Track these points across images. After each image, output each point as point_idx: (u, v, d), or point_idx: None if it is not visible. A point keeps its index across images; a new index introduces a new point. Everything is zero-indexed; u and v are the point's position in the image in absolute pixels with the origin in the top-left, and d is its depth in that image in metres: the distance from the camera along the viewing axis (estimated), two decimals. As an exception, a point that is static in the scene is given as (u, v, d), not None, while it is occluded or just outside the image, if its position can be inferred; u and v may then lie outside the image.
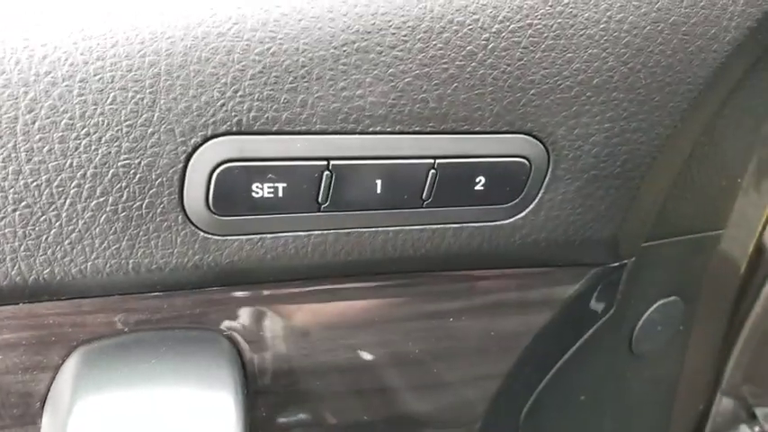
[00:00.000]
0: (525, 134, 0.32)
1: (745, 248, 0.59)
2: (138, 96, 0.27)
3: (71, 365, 0.32)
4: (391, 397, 0.39)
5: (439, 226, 0.34)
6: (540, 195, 0.34)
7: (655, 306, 0.47)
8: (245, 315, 0.35)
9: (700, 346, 0.59)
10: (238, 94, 0.28)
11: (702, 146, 0.39)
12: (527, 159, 0.33)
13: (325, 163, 0.30)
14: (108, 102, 0.27)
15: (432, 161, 0.32)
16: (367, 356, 0.38)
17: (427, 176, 0.32)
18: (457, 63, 0.30)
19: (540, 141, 0.33)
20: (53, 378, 0.33)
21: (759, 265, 0.74)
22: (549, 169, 0.33)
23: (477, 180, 0.32)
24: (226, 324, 0.35)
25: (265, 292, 0.35)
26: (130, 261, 0.30)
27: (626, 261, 0.41)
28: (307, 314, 0.36)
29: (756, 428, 0.82)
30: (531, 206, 0.34)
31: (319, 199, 0.31)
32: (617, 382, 0.50)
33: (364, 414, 0.39)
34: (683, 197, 0.42)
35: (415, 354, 0.38)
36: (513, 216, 0.34)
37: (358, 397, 0.39)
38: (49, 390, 0.33)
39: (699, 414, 0.81)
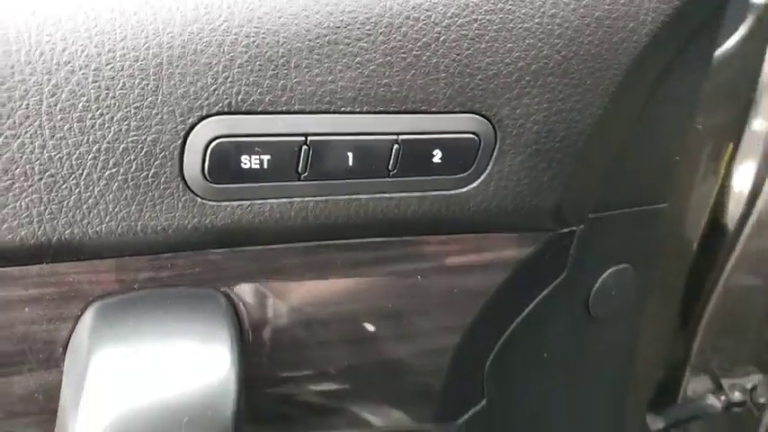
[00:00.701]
0: (474, 113, 0.38)
1: (696, 223, 0.64)
2: (144, 83, 0.33)
3: (88, 317, 0.38)
4: (367, 346, 0.44)
5: (404, 194, 0.39)
6: (489, 167, 0.39)
7: (608, 272, 0.52)
8: (238, 274, 0.40)
9: (656, 316, 0.64)
10: (228, 80, 0.33)
11: (638, 127, 0.45)
12: (477, 135, 0.38)
13: (303, 138, 0.35)
14: (118, 87, 0.32)
15: (395, 137, 0.37)
16: (345, 310, 0.43)
17: (392, 150, 0.37)
18: (414, 53, 0.35)
19: (488, 120, 0.38)
20: (73, 327, 0.38)
21: (717, 243, 0.79)
22: (497, 144, 0.39)
23: (435, 153, 0.38)
24: (222, 282, 0.40)
25: (256, 254, 0.40)
26: (139, 223, 0.35)
27: (575, 228, 0.46)
28: (292, 273, 0.41)
29: (722, 398, 0.87)
30: (482, 177, 0.40)
31: (299, 169, 0.36)
32: (577, 342, 0.56)
33: (344, 361, 0.44)
34: (624, 173, 0.47)
35: (388, 308, 0.43)
36: (467, 185, 0.40)
37: (338, 346, 0.44)
38: (69, 338, 0.38)
39: (665, 386, 0.86)
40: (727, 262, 0.78)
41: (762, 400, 0.88)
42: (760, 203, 0.74)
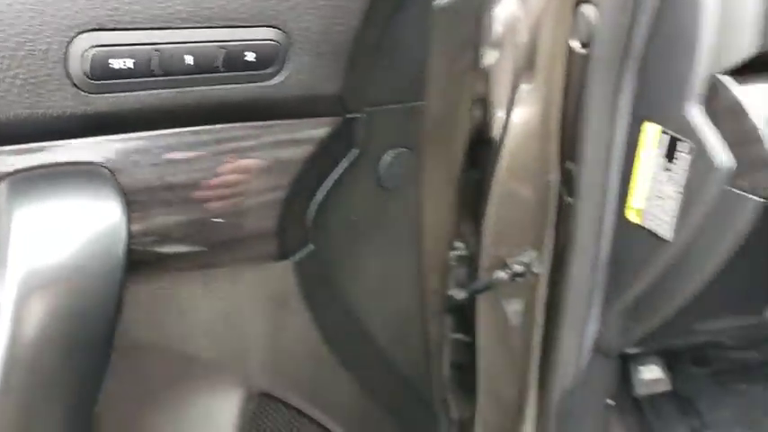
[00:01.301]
0: (274, 27, 0.56)
1: (458, 124, 0.86)
2: (33, 8, 0.47)
3: (3, 188, 0.51)
4: (213, 202, 0.61)
5: (230, 85, 0.57)
6: (287, 64, 0.58)
7: (389, 153, 0.73)
8: (116, 154, 0.55)
9: (435, 200, 0.85)
10: (96, 6, 0.49)
11: (389, 42, 0.65)
12: (277, 42, 0.57)
13: (153, 47, 0.52)
14: (15, 11, 0.47)
15: (220, 43, 0.54)
16: (194, 177, 0.59)
17: (217, 53, 0.54)
18: None
19: (283, 30, 0.56)
20: None
21: (486, 157, 1.02)
22: (291, 49, 0.58)
23: (247, 54, 0.56)
24: (105, 160, 0.55)
25: (129, 138, 0.55)
26: (39, 111, 0.50)
27: (358, 116, 0.67)
28: (155, 153, 0.57)
29: (508, 270, 1.13)
30: (283, 72, 0.58)
31: (152, 68, 0.52)
32: (375, 210, 0.76)
33: (192, 214, 0.60)
34: (387, 76, 0.67)
35: (228, 176, 0.60)
36: (273, 78, 0.58)
37: (188, 205, 0.59)
38: None
39: (468, 272, 1.08)
40: (495, 172, 1.01)
41: (535, 270, 1.15)
42: (512, 128, 0.98)
